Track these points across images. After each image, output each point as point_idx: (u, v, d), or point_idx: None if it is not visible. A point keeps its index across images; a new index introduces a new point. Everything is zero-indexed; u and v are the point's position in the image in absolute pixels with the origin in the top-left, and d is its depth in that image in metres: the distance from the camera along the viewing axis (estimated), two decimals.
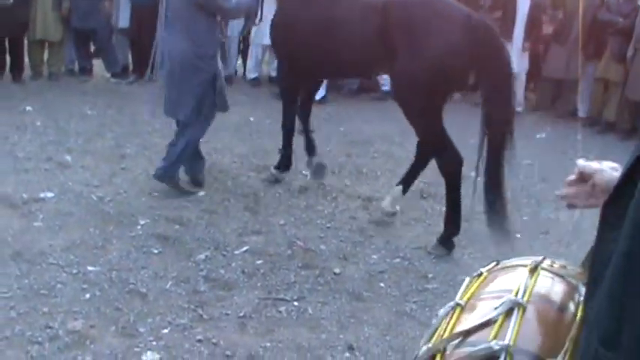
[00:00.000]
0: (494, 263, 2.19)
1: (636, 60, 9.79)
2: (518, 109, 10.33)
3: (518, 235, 6.29)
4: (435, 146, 6.09)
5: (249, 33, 10.64)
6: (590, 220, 1.97)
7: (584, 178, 1.94)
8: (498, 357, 1.71)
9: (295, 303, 4.94)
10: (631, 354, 1.30)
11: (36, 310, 4.65)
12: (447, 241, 6.03)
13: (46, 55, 11.10)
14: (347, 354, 4.46)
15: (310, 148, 7.22)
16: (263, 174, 7.37)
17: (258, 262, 5.50)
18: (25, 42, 10.80)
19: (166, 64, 6.64)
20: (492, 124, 5.90)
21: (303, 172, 7.45)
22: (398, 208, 6.62)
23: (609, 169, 1.89)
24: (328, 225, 6.27)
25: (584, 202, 1.96)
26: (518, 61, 10.37)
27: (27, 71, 10.94)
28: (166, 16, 6.62)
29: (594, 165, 1.92)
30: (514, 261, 2.15)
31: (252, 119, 9.32)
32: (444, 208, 6.70)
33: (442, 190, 7.06)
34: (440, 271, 5.58)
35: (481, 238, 6.16)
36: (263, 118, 9.45)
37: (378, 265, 5.62)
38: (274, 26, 6.93)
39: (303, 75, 6.85)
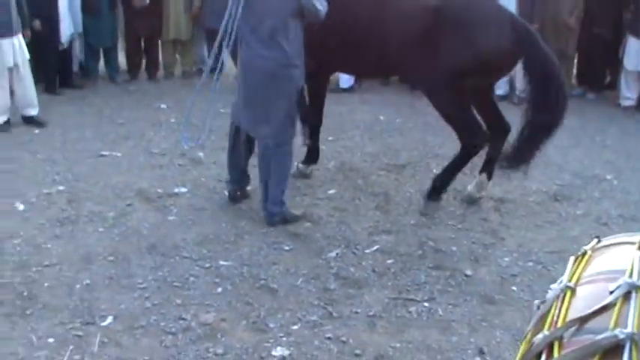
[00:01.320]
0: (596, 240, 2.06)
1: None
2: (628, 103, 10.38)
3: None
4: (465, 129, 6.37)
5: None
6: None
7: None
8: (623, 346, 1.63)
9: (425, 304, 4.88)
10: None
11: (170, 302, 4.77)
12: (433, 194, 6.56)
13: (178, 55, 11.38)
14: (478, 358, 4.38)
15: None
16: (394, 173, 7.31)
17: (389, 261, 5.46)
18: (159, 42, 11.11)
19: (245, 78, 6.05)
20: (535, 120, 6.22)
21: (434, 171, 7.36)
22: (484, 193, 6.80)
23: None
24: (459, 226, 6.17)
25: None
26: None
27: (160, 70, 11.26)
28: (245, 25, 5.80)
29: None
30: (618, 237, 2.00)
31: (382, 118, 9.27)
32: (578, 212, 6.61)
33: (576, 194, 6.99)
34: None
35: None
36: (393, 116, 9.38)
37: (510, 269, 5.49)
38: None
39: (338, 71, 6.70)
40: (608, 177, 7.62)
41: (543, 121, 6.19)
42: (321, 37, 6.15)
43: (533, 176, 7.32)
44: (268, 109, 5.90)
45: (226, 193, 6.51)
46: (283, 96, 5.87)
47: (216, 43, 6.06)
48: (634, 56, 10.12)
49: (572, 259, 1.99)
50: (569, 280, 1.88)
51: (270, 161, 6.02)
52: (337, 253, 5.53)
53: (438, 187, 6.56)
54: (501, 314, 4.82)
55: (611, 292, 1.72)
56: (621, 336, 1.60)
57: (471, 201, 6.75)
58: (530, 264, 5.59)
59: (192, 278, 5.06)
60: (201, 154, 7.61)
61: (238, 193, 6.45)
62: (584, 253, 1.98)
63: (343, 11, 6.22)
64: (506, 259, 5.64)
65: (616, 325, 1.63)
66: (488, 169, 6.76)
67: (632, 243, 1.92)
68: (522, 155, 6.35)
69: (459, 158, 6.49)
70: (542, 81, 6.14)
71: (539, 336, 1.78)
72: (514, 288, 5.20)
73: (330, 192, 6.76)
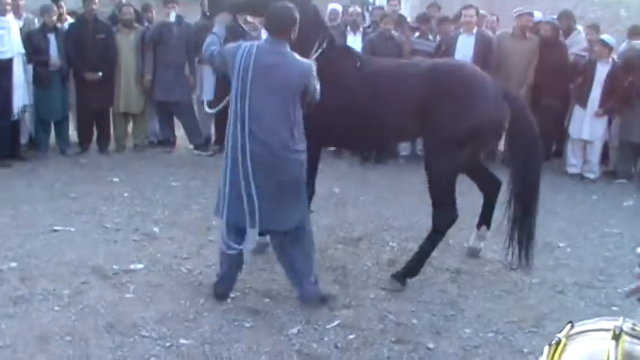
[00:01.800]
0: (569, 326, 2.08)
1: None
2: (591, 176, 10.72)
3: (615, 309, 6.14)
4: (445, 204, 6.48)
5: None
6: None
7: None
8: None
9: None
10: None
11: None
12: (401, 278, 6.48)
13: (129, 128, 11.38)
14: None
15: None
16: (350, 247, 7.34)
17: (351, 336, 5.43)
18: (111, 115, 11.12)
19: (254, 167, 5.54)
20: (519, 189, 6.73)
21: (390, 243, 7.42)
22: (482, 245, 7.29)
23: None
24: (419, 298, 6.18)
25: None
26: (592, 128, 10.66)
27: (112, 143, 11.23)
28: (246, 110, 5.52)
29: None
30: (590, 324, 2.02)
31: (336, 190, 9.33)
32: (534, 280, 6.69)
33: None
34: (536, 346, 5.43)
35: (575, 312, 6.05)
36: (347, 189, 9.44)
37: (472, 340, 5.50)
38: None
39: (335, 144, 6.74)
40: (561, 245, 7.75)
41: (523, 192, 6.71)
42: (320, 116, 5.97)
43: (486, 246, 7.41)
44: (287, 195, 5.71)
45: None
46: (296, 178, 5.74)
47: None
48: (579, 125, 10.60)
49: (546, 348, 1.99)
50: None
51: (296, 243, 5.85)
52: (298, 330, 5.49)
53: (409, 273, 6.52)
54: None
55: None
56: None
57: (475, 254, 7.25)
58: (491, 334, 5.61)
59: (152, 358, 4.97)
60: (155, 229, 7.56)
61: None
62: (559, 342, 1.98)
63: (343, 90, 6.30)
64: (467, 330, 5.66)
65: None
66: (485, 220, 7.24)
67: (606, 330, 1.93)
68: (522, 247, 6.72)
69: (429, 242, 6.56)
70: (526, 148, 6.64)
71: None
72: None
73: None
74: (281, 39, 5.58)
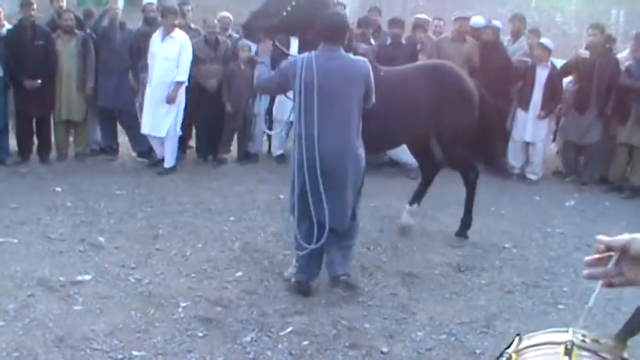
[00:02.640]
0: (518, 339, 2.01)
1: None
2: (533, 177, 11.04)
3: (561, 307, 6.24)
4: (468, 168, 7.91)
5: None
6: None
7: (606, 250, 1.86)
8: None
9: None
10: None
11: None
12: (464, 232, 8.01)
13: (71, 136, 11.19)
14: None
15: None
16: None
17: (305, 342, 5.41)
18: (52, 123, 10.91)
19: (322, 171, 5.91)
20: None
21: None
22: (413, 222, 8.06)
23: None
24: (370, 303, 6.20)
25: (619, 279, 1.89)
26: (534, 130, 11.03)
27: (53, 152, 11.02)
28: (315, 117, 5.85)
29: (620, 237, 1.85)
30: (540, 336, 1.97)
31: (281, 196, 9.30)
32: (482, 281, 6.77)
33: (479, 263, 7.12)
34: (488, 346, 5.50)
35: (524, 311, 6.13)
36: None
37: (425, 343, 5.53)
38: None
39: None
40: (507, 245, 7.85)
41: None
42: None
43: (435, 248, 7.49)
44: (351, 194, 6.19)
45: (293, 281, 6.42)
46: (358, 177, 6.27)
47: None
48: (521, 127, 10.92)
49: None
50: None
51: (345, 232, 6.30)
52: (252, 338, 5.45)
53: (467, 224, 8.00)
54: None
55: None
56: None
57: (406, 229, 7.98)
58: (444, 336, 5.65)
59: None
60: (101, 238, 7.45)
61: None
62: (509, 358, 1.94)
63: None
64: (420, 333, 5.69)
65: None
66: (418, 198, 8.10)
67: (556, 344, 1.91)
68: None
69: (469, 193, 7.95)
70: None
71: None
72: None
73: (238, 274, 6.69)
74: (336, 44, 5.96)
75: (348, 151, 5.99)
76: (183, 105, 10.47)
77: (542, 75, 10.83)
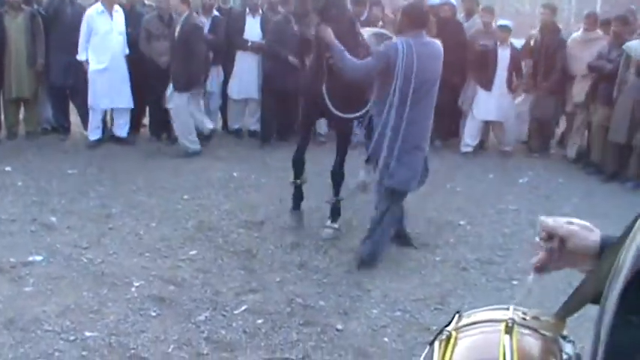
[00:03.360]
0: (458, 317, 1.98)
1: (619, 103, 9.89)
2: (508, 148, 11.32)
3: (515, 282, 6.28)
4: None
5: None
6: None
7: (549, 236, 1.87)
8: None
9: None
10: None
11: None
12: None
13: (21, 114, 10.97)
14: None
15: None
16: (254, 230, 7.29)
17: (259, 321, 5.40)
18: (1, 101, 10.70)
19: (401, 141, 6.36)
20: None
21: (293, 226, 7.42)
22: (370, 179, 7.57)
23: (581, 230, 1.83)
24: (324, 280, 6.20)
25: (555, 265, 1.90)
26: (499, 109, 11.22)
27: (3, 130, 10.83)
28: (408, 100, 6.23)
29: (561, 223, 1.86)
30: (480, 314, 1.95)
31: (235, 174, 9.26)
32: (437, 258, 6.81)
33: (433, 240, 7.14)
34: (442, 322, 5.37)
35: (478, 288, 6.17)
36: (247, 172, 9.37)
37: (380, 319, 5.54)
38: None
39: None
40: (461, 222, 7.88)
41: None
42: None
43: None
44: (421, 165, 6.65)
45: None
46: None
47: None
48: (483, 107, 11.12)
49: (437, 344, 1.90)
50: None
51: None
52: (206, 316, 5.42)
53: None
54: None
55: None
56: None
57: (364, 188, 7.74)
58: (398, 313, 5.67)
59: (57, 353, 4.81)
60: (53, 218, 7.34)
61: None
62: (449, 337, 1.90)
63: None
64: (375, 310, 5.70)
65: None
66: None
67: (497, 321, 1.88)
68: None
69: None
70: None
71: None
72: (386, 339, 5.25)
73: (192, 253, 6.65)
74: (423, 31, 6.40)
75: (426, 127, 6.61)
76: None
77: (504, 55, 11.03)
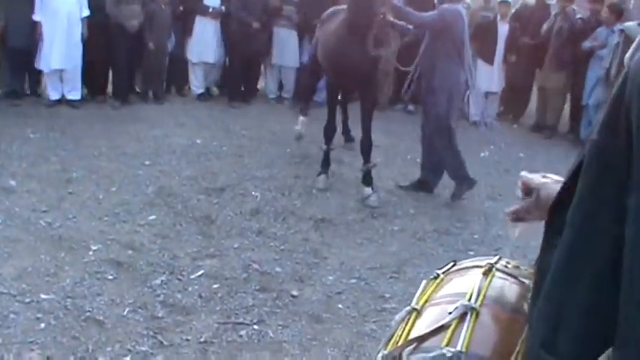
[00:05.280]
0: (452, 264, 2.16)
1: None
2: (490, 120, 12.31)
3: (472, 253, 6.36)
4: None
5: None
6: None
7: (528, 191, 1.96)
8: None
9: (255, 327, 4.89)
10: (568, 356, 1.32)
11: None
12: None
13: None
14: None
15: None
16: (213, 197, 7.31)
17: (215, 286, 5.43)
18: None
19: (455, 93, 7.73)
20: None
21: (253, 193, 7.45)
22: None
23: (553, 182, 1.90)
24: (282, 247, 6.24)
25: (530, 216, 1.98)
26: (498, 81, 12.21)
27: None
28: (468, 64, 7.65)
29: (537, 178, 1.93)
30: (470, 262, 2.13)
31: (198, 141, 9.26)
32: (395, 227, 6.84)
33: (392, 210, 7.21)
34: (397, 290, 5.58)
35: (435, 257, 6.24)
36: (209, 140, 9.37)
37: (335, 287, 5.60)
38: None
39: None
40: (421, 193, 7.94)
41: None
42: None
43: (349, 194, 7.55)
44: None
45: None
46: None
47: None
48: (485, 79, 11.92)
49: (424, 282, 2.08)
50: (417, 303, 1.97)
51: None
52: (162, 280, 5.44)
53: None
54: (330, 332, 4.91)
55: (450, 314, 1.82)
56: (449, 354, 1.71)
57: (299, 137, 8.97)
58: (354, 281, 5.73)
59: (12, 315, 4.80)
60: (12, 182, 7.29)
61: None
62: (437, 277, 2.08)
63: None
64: (330, 277, 5.76)
65: (447, 344, 1.74)
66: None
67: (480, 267, 2.03)
68: None
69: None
70: None
71: (379, 355, 1.87)
72: (340, 305, 5.31)
73: (151, 218, 6.66)
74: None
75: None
76: None
77: (503, 29, 11.71)
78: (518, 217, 1.98)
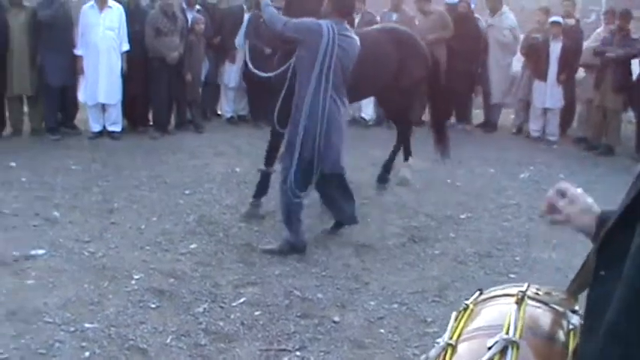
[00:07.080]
0: (478, 293, 2.16)
1: None
2: (552, 138, 12.49)
3: (513, 276, 6.31)
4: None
5: None
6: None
7: (552, 210, 1.96)
8: None
9: (298, 353, 4.89)
10: None
11: None
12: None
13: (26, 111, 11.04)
14: None
15: None
16: (254, 224, 7.34)
17: (257, 313, 5.45)
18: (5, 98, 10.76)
19: (327, 125, 6.62)
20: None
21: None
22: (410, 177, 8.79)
23: (586, 199, 2.00)
24: (323, 273, 6.24)
25: (562, 217, 1.99)
26: (553, 98, 12.29)
27: (8, 127, 10.91)
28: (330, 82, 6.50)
29: (574, 189, 2.01)
30: (498, 290, 2.13)
31: (237, 170, 9.32)
32: (436, 252, 6.84)
33: (433, 234, 7.18)
34: (439, 315, 5.55)
35: (476, 281, 6.19)
36: (248, 168, 9.37)
37: (377, 312, 5.59)
38: None
39: None
40: (462, 217, 7.92)
41: None
42: None
43: (389, 220, 7.53)
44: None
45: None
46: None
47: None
48: (541, 96, 12.39)
49: (454, 314, 2.05)
50: (451, 337, 1.93)
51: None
52: (204, 308, 5.48)
53: (388, 169, 8.73)
54: (372, 357, 4.90)
55: (489, 349, 1.79)
56: None
57: (404, 182, 8.71)
58: (396, 306, 5.71)
59: (57, 344, 4.87)
60: (56, 213, 7.40)
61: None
62: (466, 308, 2.05)
63: None
64: (372, 302, 5.74)
65: None
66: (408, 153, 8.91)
67: (511, 295, 2.01)
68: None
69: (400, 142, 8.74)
70: None
71: None
72: (382, 330, 5.29)
73: (192, 246, 6.71)
74: (346, 20, 6.55)
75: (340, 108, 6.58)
76: None
77: (556, 47, 12.08)
78: (553, 219, 2.00)
